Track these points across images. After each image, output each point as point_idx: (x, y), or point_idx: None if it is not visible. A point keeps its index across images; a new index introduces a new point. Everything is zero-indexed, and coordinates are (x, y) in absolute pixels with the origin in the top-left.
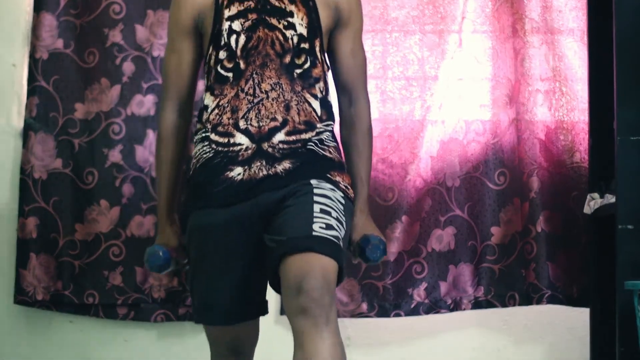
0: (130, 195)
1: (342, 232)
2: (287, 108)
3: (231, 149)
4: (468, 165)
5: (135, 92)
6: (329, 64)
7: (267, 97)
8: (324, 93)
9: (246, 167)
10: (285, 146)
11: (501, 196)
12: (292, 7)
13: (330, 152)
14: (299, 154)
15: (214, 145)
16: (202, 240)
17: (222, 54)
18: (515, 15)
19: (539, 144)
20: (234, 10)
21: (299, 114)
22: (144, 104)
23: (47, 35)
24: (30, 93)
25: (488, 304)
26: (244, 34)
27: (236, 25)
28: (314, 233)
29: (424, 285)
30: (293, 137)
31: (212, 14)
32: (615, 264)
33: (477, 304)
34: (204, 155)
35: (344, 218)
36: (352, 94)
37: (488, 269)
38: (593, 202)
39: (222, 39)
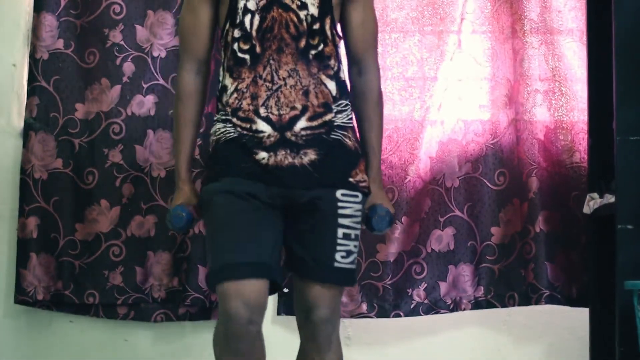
0: (131, 195)
1: (357, 247)
2: (306, 93)
3: (255, 134)
4: (467, 166)
5: (136, 92)
6: (340, 37)
7: (285, 85)
8: (335, 69)
9: (271, 153)
10: (308, 132)
11: (500, 196)
12: None
13: (349, 139)
14: (323, 141)
15: (238, 128)
16: (230, 201)
17: (237, 33)
18: (514, 16)
19: (538, 144)
20: None
21: (317, 97)
22: (144, 104)
23: (48, 36)
24: (31, 93)
25: (488, 304)
26: (258, 14)
27: (251, 4)
28: (335, 264)
29: (423, 285)
30: (315, 123)
31: None
32: (615, 264)
33: (476, 304)
34: (228, 135)
35: (359, 227)
36: (362, 64)
37: (488, 269)
38: (592, 202)
39: (238, 17)
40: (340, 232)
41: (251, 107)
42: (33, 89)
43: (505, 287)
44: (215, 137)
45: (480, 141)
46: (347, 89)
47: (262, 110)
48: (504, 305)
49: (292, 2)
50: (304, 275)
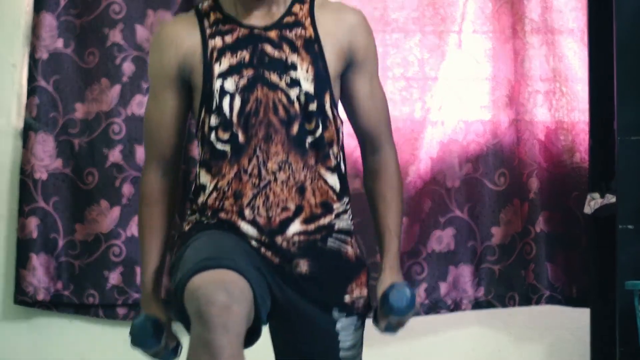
0: (131, 195)
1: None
2: (301, 191)
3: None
4: (468, 166)
5: (136, 92)
6: (341, 120)
7: (275, 180)
8: (338, 159)
9: (259, 251)
10: (302, 238)
11: (501, 197)
12: (295, 57)
13: (350, 246)
14: (318, 250)
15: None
16: (215, 233)
17: (215, 120)
18: (515, 16)
19: (539, 145)
20: (225, 64)
21: (314, 194)
22: (144, 104)
23: (47, 35)
24: (30, 93)
25: (488, 305)
26: (239, 95)
27: (229, 85)
28: None
29: (424, 286)
30: (311, 226)
31: (201, 68)
32: (616, 264)
33: (477, 305)
34: (211, 222)
35: (361, 349)
36: (375, 141)
37: (488, 270)
38: (593, 202)
39: (214, 101)
40: None
41: (235, 208)
42: (33, 89)
43: (506, 288)
44: (190, 225)
45: (481, 141)
46: (347, 182)
47: (247, 212)
48: (504, 306)
49: (280, 78)
50: None
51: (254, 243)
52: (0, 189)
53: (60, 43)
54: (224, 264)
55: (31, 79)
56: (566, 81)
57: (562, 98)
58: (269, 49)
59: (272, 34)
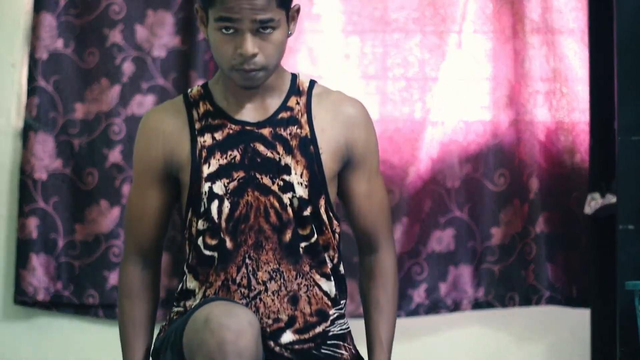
0: None
1: None
2: (294, 300)
3: None
4: (468, 166)
5: (136, 92)
6: (338, 219)
7: (266, 291)
8: (335, 262)
9: None
10: (296, 347)
11: (501, 197)
12: (289, 159)
13: (345, 349)
14: (313, 357)
15: None
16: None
17: (202, 224)
18: (515, 16)
19: (539, 145)
20: (214, 165)
21: (309, 303)
22: (144, 104)
23: (47, 36)
24: (30, 93)
25: (488, 305)
26: (228, 199)
27: (218, 188)
28: None
29: (424, 286)
30: (305, 336)
31: (189, 168)
32: (616, 264)
33: (477, 305)
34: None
35: None
36: (373, 241)
37: (488, 270)
38: (594, 202)
39: (202, 204)
40: None
41: None
42: (33, 89)
43: (506, 288)
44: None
45: (481, 142)
46: (346, 285)
47: None
48: (504, 306)
49: (273, 182)
50: None
51: None
52: (0, 189)
53: (60, 43)
54: (230, 301)
55: (31, 79)
56: (566, 81)
57: (562, 98)
58: (261, 148)
59: (265, 132)
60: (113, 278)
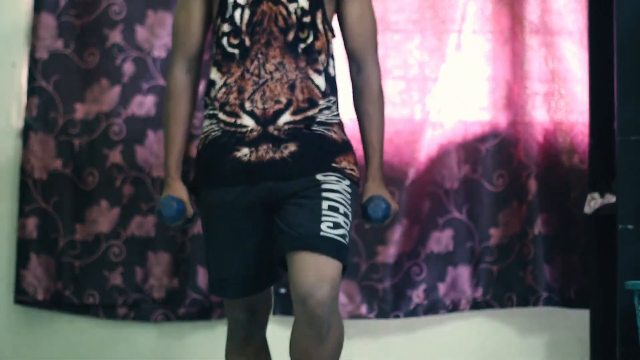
0: (131, 195)
1: (349, 226)
2: (292, 88)
3: (238, 130)
4: (466, 167)
5: (136, 92)
6: (334, 33)
7: (272, 79)
8: (325, 64)
9: (253, 148)
10: (290, 126)
11: (499, 198)
12: None
13: (335, 132)
14: (305, 135)
15: (221, 125)
16: (212, 218)
17: (227, 28)
18: (514, 18)
19: (537, 146)
20: None
21: (302, 92)
22: (144, 104)
23: (47, 36)
24: (30, 93)
25: (486, 305)
26: (248, 8)
27: None
28: (322, 233)
29: (422, 286)
30: (298, 117)
31: None
32: (616, 264)
33: (475, 305)
34: (212, 134)
35: (350, 209)
36: (361, 61)
37: (486, 270)
38: (593, 202)
39: (228, 11)
40: (326, 204)
41: (237, 102)
42: (33, 89)
43: (504, 288)
44: (202, 136)
45: (480, 143)
46: (337, 85)
47: (247, 105)
48: (502, 306)
49: None
50: (291, 248)
51: (244, 156)
52: (0, 189)
53: (60, 43)
54: (234, 291)
55: (31, 79)
56: (565, 83)
57: (560, 100)
58: None
59: None
60: (113, 278)
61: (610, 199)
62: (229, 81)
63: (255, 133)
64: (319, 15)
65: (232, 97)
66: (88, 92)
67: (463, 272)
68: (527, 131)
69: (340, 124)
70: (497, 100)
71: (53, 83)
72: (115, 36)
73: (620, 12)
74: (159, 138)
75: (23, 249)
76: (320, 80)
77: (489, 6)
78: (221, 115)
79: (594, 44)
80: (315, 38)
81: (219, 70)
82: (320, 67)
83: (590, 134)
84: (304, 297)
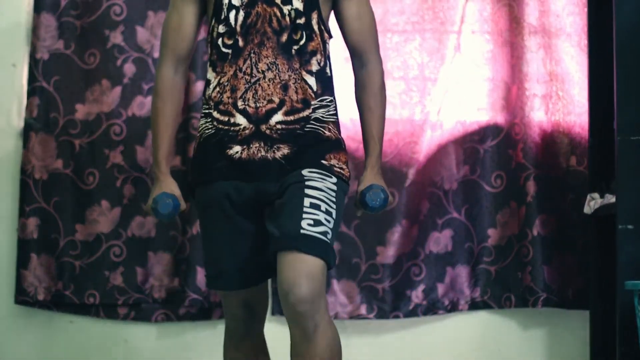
0: (131, 195)
1: (332, 224)
2: (285, 88)
3: (231, 128)
4: (465, 168)
5: (136, 93)
6: (330, 33)
7: (264, 78)
8: (321, 65)
9: (245, 146)
10: (283, 127)
11: (498, 199)
12: None
13: (328, 130)
14: (297, 136)
15: (215, 123)
16: (208, 212)
17: (222, 29)
18: (513, 20)
19: (536, 147)
20: None
21: (296, 92)
22: (144, 105)
23: (48, 36)
24: (31, 93)
25: (484, 305)
26: (243, 9)
27: (236, 0)
28: (302, 231)
29: (422, 287)
30: (291, 117)
31: None
32: (616, 264)
33: (473, 305)
34: (207, 132)
35: (334, 206)
36: (362, 56)
37: (485, 271)
38: (593, 202)
39: (223, 13)
40: (307, 201)
41: (230, 100)
42: (33, 89)
43: (502, 289)
44: (197, 135)
45: (478, 144)
46: (332, 85)
47: (239, 103)
48: (500, 307)
49: None
50: (276, 248)
51: (236, 153)
52: (0, 189)
53: (60, 44)
54: (229, 284)
55: (31, 79)
56: (563, 84)
57: (558, 101)
58: None
59: None
60: (113, 278)
61: (610, 199)
62: (222, 80)
63: (247, 131)
64: (314, 17)
65: (226, 96)
66: (89, 92)
67: (461, 273)
68: (526, 132)
69: (335, 123)
70: (496, 102)
71: (53, 83)
72: (116, 37)
73: (619, 12)
74: None
75: (24, 249)
76: (312, 81)
77: (488, 8)
78: (216, 114)
79: (593, 44)
80: (310, 39)
81: (214, 70)
82: (314, 68)
83: (590, 134)
84: (285, 294)
